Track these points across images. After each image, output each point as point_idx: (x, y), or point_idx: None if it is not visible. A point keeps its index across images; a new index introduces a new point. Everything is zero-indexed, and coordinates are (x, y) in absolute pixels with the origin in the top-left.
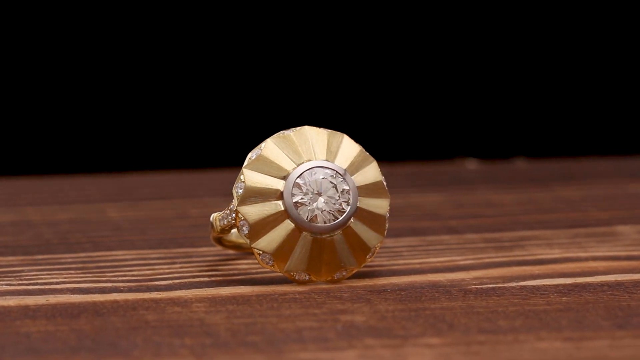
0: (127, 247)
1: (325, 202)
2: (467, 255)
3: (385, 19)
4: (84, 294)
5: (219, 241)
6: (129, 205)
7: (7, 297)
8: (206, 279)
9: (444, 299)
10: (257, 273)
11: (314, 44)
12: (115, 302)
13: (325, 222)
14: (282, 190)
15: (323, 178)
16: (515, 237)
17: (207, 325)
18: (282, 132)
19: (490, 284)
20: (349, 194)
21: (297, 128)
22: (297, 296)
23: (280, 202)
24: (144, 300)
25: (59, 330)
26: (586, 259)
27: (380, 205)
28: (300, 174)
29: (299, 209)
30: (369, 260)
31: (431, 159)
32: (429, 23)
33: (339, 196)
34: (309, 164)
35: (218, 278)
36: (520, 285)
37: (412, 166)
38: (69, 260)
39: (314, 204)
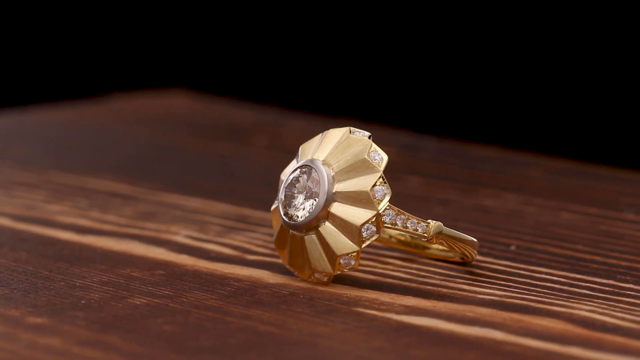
0: None
1: (299, 201)
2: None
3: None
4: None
5: None
6: None
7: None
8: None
9: (320, 316)
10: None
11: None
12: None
13: (294, 221)
14: None
15: (302, 178)
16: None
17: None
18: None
19: (401, 314)
20: (316, 198)
21: (344, 128)
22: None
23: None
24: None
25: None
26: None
27: (357, 215)
28: (292, 171)
29: (282, 204)
30: (346, 268)
31: None
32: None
33: (308, 197)
34: (305, 162)
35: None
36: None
37: None
38: None
39: (292, 202)
